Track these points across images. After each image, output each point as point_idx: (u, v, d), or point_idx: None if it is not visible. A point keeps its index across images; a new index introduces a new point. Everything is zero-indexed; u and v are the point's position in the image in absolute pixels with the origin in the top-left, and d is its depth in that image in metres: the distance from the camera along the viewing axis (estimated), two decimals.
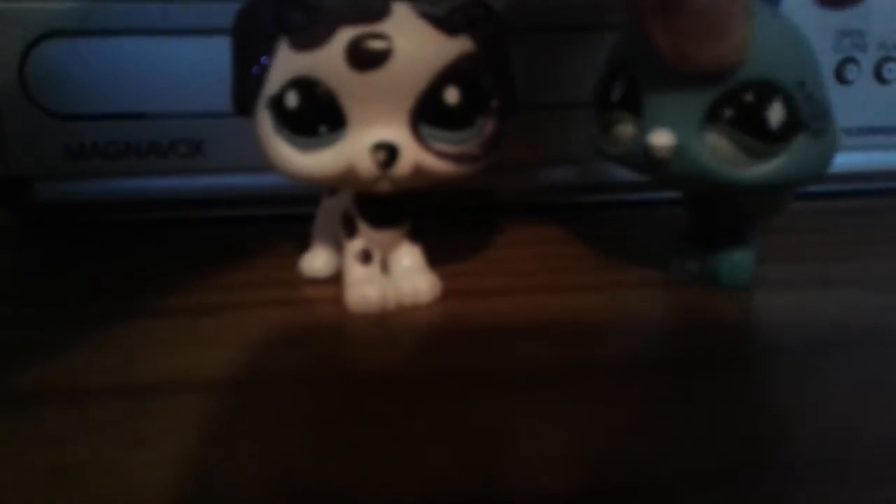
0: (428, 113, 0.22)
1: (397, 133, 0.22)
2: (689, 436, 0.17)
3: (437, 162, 0.22)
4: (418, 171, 0.22)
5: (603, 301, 0.25)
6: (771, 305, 0.25)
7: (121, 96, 0.31)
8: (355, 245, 0.24)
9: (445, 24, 0.22)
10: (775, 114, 0.21)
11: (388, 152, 0.21)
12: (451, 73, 0.22)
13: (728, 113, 0.21)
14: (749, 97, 0.21)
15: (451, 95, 0.22)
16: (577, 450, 0.17)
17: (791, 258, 0.28)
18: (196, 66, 0.31)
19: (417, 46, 0.21)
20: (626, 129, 0.23)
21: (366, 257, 0.24)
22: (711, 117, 0.22)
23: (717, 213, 0.25)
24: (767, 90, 0.21)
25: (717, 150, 0.22)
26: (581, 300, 0.25)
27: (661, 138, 0.22)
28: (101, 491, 0.15)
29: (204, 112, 0.31)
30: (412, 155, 0.22)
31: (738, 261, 0.25)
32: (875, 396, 0.19)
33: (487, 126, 0.23)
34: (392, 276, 0.25)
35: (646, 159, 0.22)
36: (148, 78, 0.31)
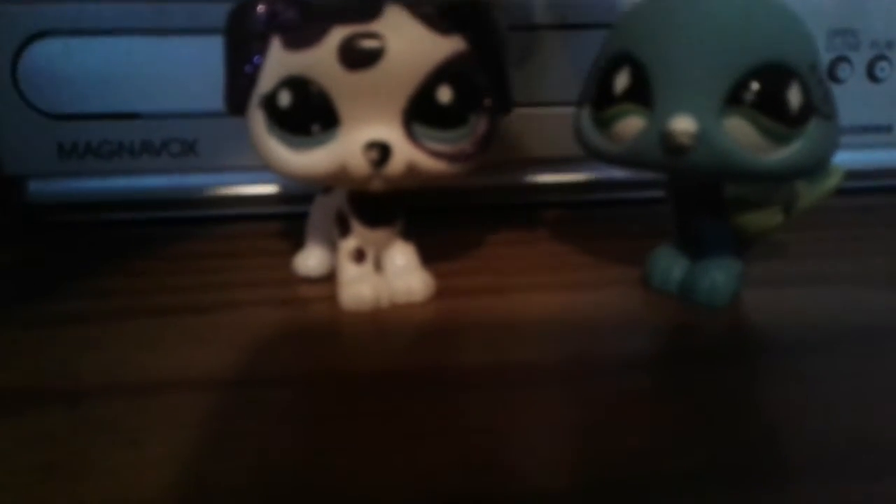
0: (421, 112, 0.22)
1: (390, 132, 0.22)
2: (678, 434, 0.17)
3: (431, 160, 0.22)
4: (411, 170, 0.22)
5: (594, 299, 0.25)
6: (765, 303, 0.25)
7: (114, 96, 0.31)
8: (349, 244, 0.24)
9: (438, 23, 0.22)
10: (794, 96, 0.21)
11: (381, 151, 0.21)
12: (443, 72, 0.22)
13: (750, 96, 0.21)
14: (768, 79, 0.21)
15: (444, 94, 0.22)
16: (570, 447, 0.17)
17: (785, 256, 0.28)
18: (189, 65, 0.31)
19: (410, 46, 0.21)
20: (635, 123, 0.22)
21: (359, 256, 0.24)
22: (732, 101, 0.21)
23: (705, 221, 0.24)
24: (784, 72, 0.21)
25: (738, 135, 0.21)
26: (572, 298, 0.25)
27: (684, 123, 0.21)
28: (98, 490, 0.15)
29: (197, 111, 0.31)
30: (405, 154, 0.22)
31: (719, 279, 0.24)
32: (868, 394, 0.19)
33: (480, 125, 0.23)
34: (386, 275, 0.25)
35: (662, 150, 0.21)
36: (141, 77, 0.31)
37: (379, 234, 0.25)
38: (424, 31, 0.22)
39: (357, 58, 0.21)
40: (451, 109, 0.22)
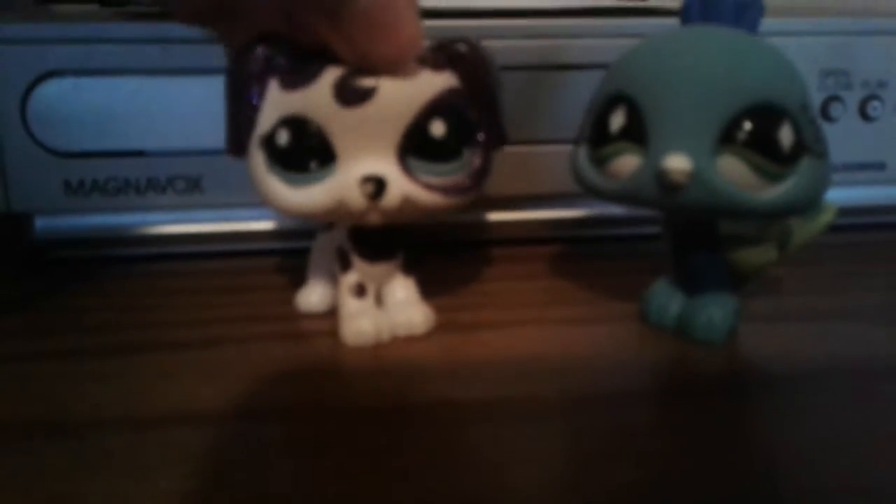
0: (415, 146, 0.23)
1: (385, 166, 0.22)
2: (674, 469, 0.17)
3: (425, 194, 0.23)
4: (407, 203, 0.22)
5: (591, 334, 0.25)
6: (761, 339, 0.25)
7: (120, 134, 0.31)
8: (350, 279, 0.25)
9: (430, 59, 0.23)
10: (785, 135, 0.21)
11: (376, 185, 0.22)
12: (436, 107, 0.23)
13: (742, 135, 0.21)
14: (760, 119, 0.21)
15: (437, 128, 0.23)
16: (566, 482, 0.17)
17: (780, 292, 0.29)
18: (194, 104, 0.31)
19: (402, 82, 0.22)
20: (630, 161, 0.23)
21: (360, 291, 0.25)
22: (725, 141, 0.21)
23: (701, 257, 0.25)
24: (776, 113, 0.22)
25: (731, 173, 0.21)
26: (569, 333, 0.25)
27: (679, 162, 0.21)
28: None
29: (202, 149, 0.32)
30: (400, 187, 0.22)
31: (716, 316, 0.24)
32: (864, 430, 0.19)
33: (475, 158, 0.24)
34: (387, 309, 0.25)
35: (657, 188, 0.22)
36: (147, 116, 0.31)
37: (379, 269, 0.25)
38: (416, 68, 0.22)
39: (351, 95, 0.21)
40: (445, 143, 0.23)
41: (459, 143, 0.23)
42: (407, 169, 0.23)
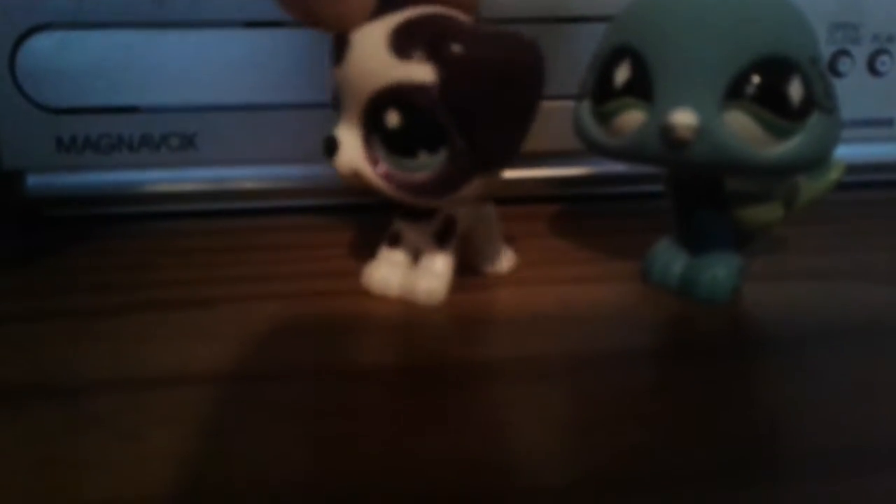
0: (376, 128, 0.22)
1: (350, 132, 0.22)
2: (678, 429, 0.17)
3: (374, 177, 0.22)
4: (357, 177, 0.22)
5: (593, 294, 0.25)
6: (765, 297, 0.25)
7: (113, 89, 0.31)
8: (392, 227, 0.25)
9: (400, 46, 0.21)
10: (795, 90, 0.21)
11: (327, 143, 0.22)
12: (394, 97, 0.21)
13: (750, 89, 0.21)
14: (769, 73, 0.21)
15: (392, 119, 0.22)
16: (569, 443, 0.17)
17: (785, 250, 0.28)
18: (189, 58, 0.31)
19: (362, 59, 0.21)
20: (635, 116, 0.22)
21: (392, 240, 0.25)
22: (732, 95, 0.21)
23: (705, 215, 0.24)
24: (785, 66, 0.21)
25: (739, 129, 0.21)
26: (571, 293, 0.25)
27: (685, 117, 0.21)
28: (97, 486, 0.15)
29: (197, 105, 0.31)
30: (351, 157, 0.22)
31: (720, 274, 0.24)
32: (869, 389, 0.19)
33: (441, 166, 0.22)
34: (413, 270, 0.25)
35: (663, 144, 0.21)
36: (140, 71, 0.31)
37: (409, 227, 0.25)
38: (382, 51, 0.21)
39: (335, 54, 0.22)
40: (398, 136, 0.22)
41: (414, 143, 0.22)
42: (368, 145, 0.22)
